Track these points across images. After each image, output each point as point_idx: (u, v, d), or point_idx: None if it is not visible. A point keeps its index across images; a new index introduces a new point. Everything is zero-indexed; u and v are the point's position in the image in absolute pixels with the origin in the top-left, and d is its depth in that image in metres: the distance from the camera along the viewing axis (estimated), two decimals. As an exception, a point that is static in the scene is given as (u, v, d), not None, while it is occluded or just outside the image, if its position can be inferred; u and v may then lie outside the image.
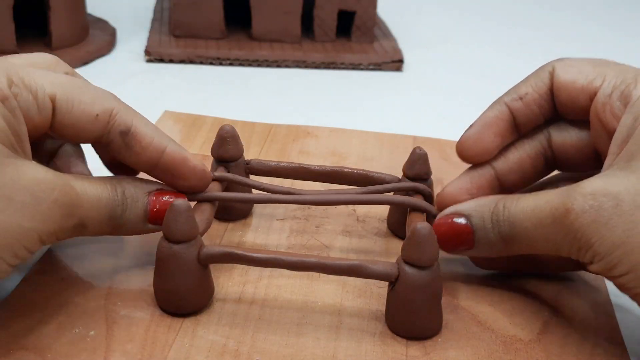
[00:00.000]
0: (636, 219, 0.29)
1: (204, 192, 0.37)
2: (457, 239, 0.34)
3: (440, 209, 0.36)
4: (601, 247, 0.30)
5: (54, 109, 0.32)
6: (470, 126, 0.37)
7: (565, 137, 0.36)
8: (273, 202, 0.38)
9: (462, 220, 0.34)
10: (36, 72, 0.32)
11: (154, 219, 0.35)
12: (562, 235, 0.31)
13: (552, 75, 0.36)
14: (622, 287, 0.31)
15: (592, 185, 0.30)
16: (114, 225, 0.34)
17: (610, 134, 0.33)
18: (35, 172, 0.30)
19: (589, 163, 0.36)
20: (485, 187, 0.37)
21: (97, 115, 0.33)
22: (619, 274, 0.30)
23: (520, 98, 0.36)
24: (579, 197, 0.30)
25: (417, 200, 0.38)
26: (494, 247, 0.34)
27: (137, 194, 0.35)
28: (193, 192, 0.36)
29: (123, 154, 0.34)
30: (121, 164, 0.36)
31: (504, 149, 0.37)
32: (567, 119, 0.36)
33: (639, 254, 0.29)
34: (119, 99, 0.35)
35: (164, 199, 0.35)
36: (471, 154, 0.37)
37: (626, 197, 0.30)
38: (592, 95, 0.34)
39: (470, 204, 0.35)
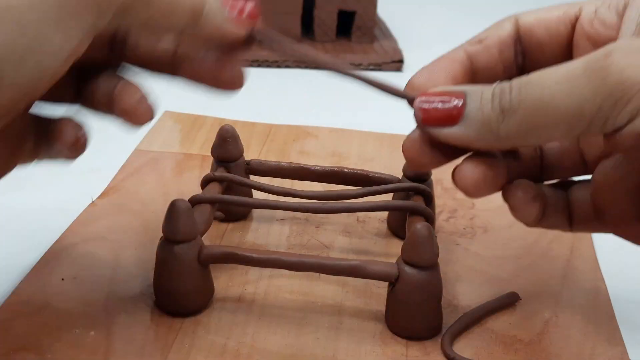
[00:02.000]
0: None
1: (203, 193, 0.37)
2: (442, 108, 0.28)
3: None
4: None
5: None
6: (422, 68, 0.32)
7: None
8: (272, 207, 0.38)
9: (457, 91, 0.29)
10: None
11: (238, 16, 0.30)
12: (595, 85, 0.25)
13: (515, 21, 0.33)
14: None
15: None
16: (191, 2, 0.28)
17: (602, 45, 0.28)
18: None
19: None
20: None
21: None
22: None
23: (480, 41, 0.32)
24: (624, 40, 0.26)
25: (416, 204, 0.38)
26: (486, 124, 0.27)
27: None
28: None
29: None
30: None
31: None
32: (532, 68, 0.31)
33: None
34: None
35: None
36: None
37: None
38: (573, 20, 0.31)
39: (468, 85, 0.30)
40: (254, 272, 0.38)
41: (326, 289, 0.37)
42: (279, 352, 0.32)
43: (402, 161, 0.41)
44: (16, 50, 0.23)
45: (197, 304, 0.34)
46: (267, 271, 0.38)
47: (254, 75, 0.67)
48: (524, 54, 0.33)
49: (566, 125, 0.26)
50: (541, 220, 0.31)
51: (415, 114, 0.30)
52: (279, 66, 0.68)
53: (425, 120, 0.29)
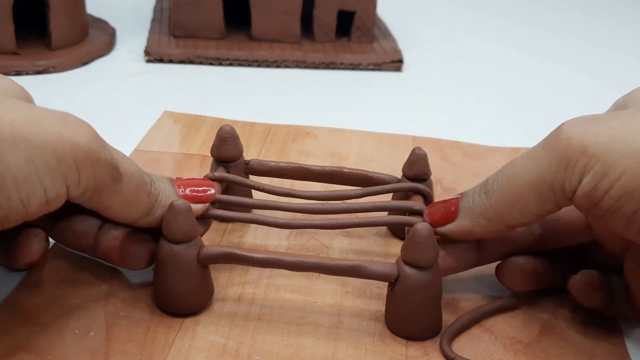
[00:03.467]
0: (635, 118, 0.28)
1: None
2: (443, 209, 0.34)
3: None
4: (597, 144, 0.28)
5: None
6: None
7: None
8: (271, 208, 0.38)
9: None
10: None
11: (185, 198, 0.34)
12: (549, 155, 0.29)
13: None
14: (614, 212, 0.28)
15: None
16: (147, 192, 0.33)
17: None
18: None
19: None
20: None
21: None
22: (615, 177, 0.27)
23: None
24: (571, 119, 0.30)
25: (416, 204, 0.37)
26: (475, 210, 0.32)
27: (159, 177, 0.34)
28: None
29: None
30: None
31: None
32: None
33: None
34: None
35: (188, 191, 0.35)
36: None
37: (622, 112, 0.29)
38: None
39: None
40: (253, 272, 0.38)
41: (326, 289, 0.37)
42: (278, 352, 0.32)
43: (402, 161, 0.41)
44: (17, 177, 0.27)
45: (196, 304, 0.34)
46: (267, 271, 0.38)
47: (254, 75, 0.67)
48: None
49: (535, 194, 0.30)
50: (608, 308, 0.35)
51: (425, 220, 0.35)
52: (278, 66, 0.68)
53: (432, 222, 0.34)
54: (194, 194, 0.35)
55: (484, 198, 0.32)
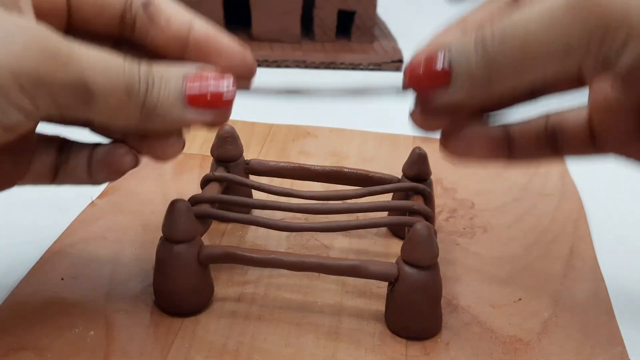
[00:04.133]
0: None
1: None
2: (431, 73, 0.27)
3: None
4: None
5: None
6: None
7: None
8: (271, 208, 0.38)
9: (439, 53, 0.27)
10: None
11: (194, 102, 0.28)
12: (581, 22, 0.24)
13: None
14: None
15: None
16: (138, 104, 0.27)
17: None
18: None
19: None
20: None
21: None
22: None
23: None
24: None
25: (416, 203, 0.37)
26: (475, 80, 0.26)
27: (170, 74, 0.28)
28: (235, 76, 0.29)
29: (148, 33, 0.29)
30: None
31: None
32: None
33: None
34: None
35: (206, 82, 0.28)
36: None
37: None
38: None
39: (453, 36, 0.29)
40: (253, 272, 0.38)
41: (326, 289, 0.37)
42: (278, 352, 0.32)
43: (402, 161, 0.41)
44: None
45: (196, 304, 0.34)
46: (267, 271, 0.38)
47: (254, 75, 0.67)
48: None
49: (554, 64, 0.25)
50: (513, 156, 0.32)
51: (405, 84, 0.28)
52: (278, 66, 0.68)
53: (417, 87, 0.28)
54: (204, 94, 0.28)
55: (484, 70, 0.26)
